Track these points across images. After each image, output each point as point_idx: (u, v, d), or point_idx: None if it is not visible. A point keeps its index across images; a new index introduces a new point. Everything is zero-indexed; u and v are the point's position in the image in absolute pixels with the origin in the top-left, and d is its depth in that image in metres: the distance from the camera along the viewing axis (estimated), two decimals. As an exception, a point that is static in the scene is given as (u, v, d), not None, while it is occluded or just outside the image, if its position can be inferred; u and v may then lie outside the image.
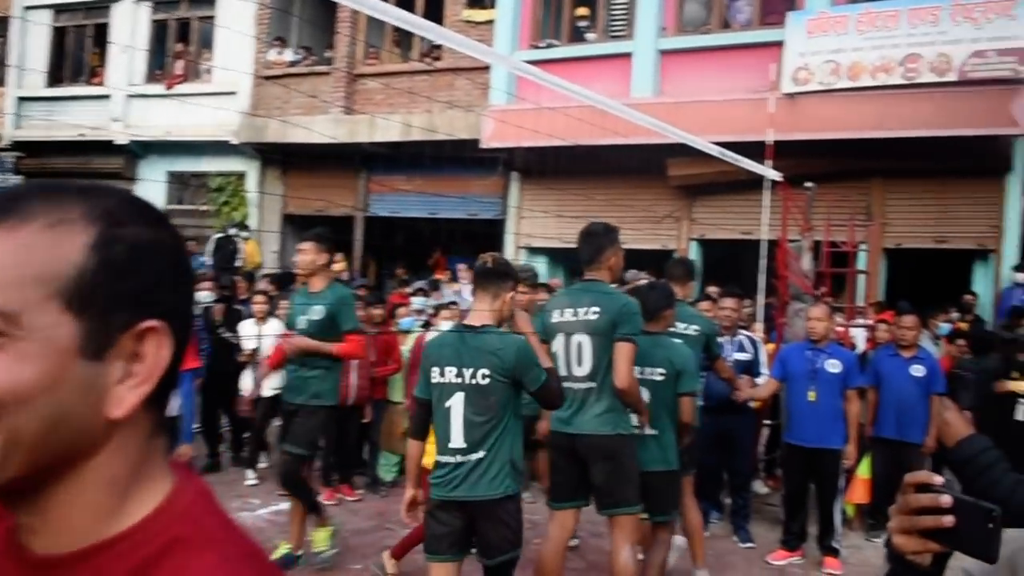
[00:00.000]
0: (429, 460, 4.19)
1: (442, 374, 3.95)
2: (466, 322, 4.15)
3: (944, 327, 8.66)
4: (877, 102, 10.50)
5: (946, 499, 1.20)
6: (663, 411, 5.03)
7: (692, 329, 5.89)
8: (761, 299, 8.85)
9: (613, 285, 4.93)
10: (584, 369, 4.56)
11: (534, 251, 12.98)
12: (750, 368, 6.84)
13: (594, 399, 4.55)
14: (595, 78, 11.97)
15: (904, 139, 10.31)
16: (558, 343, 4.64)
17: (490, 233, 13.64)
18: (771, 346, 8.06)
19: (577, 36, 13.18)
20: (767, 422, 8.16)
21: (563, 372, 4.52)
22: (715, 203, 11.91)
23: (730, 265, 11.31)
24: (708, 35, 12.16)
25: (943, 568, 1.28)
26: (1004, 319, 9.26)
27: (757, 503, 7.92)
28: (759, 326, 8.36)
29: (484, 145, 12.69)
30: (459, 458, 3.90)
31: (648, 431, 4.97)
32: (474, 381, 3.88)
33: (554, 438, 4.72)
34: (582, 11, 13.07)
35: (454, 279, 12.84)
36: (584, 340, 4.56)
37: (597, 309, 4.55)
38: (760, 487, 8.58)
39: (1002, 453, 2.23)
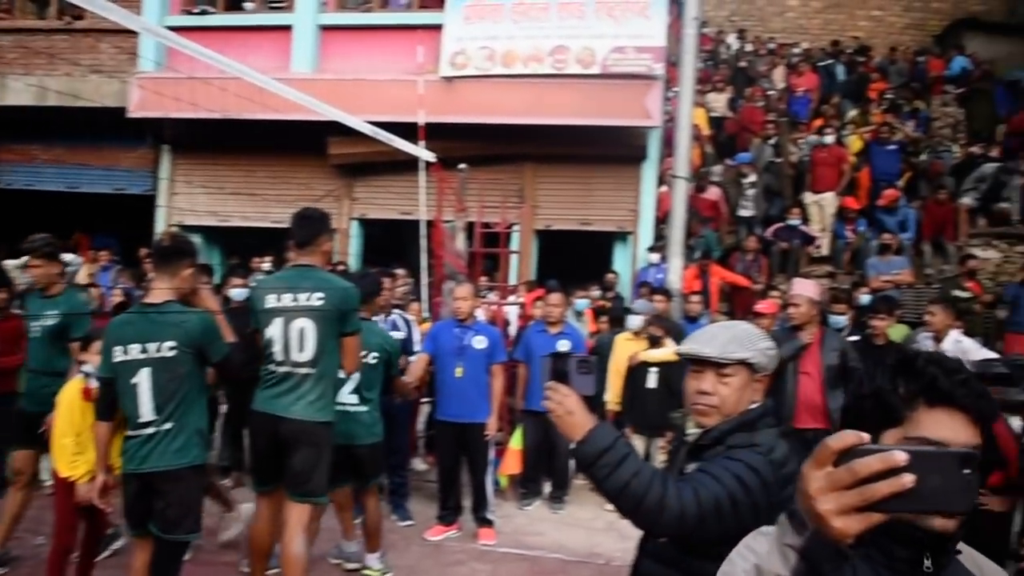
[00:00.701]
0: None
1: (125, 352, 4.03)
2: (147, 300, 4.19)
3: (581, 303, 9.21)
4: (529, 89, 10.95)
5: (901, 456, 1.05)
6: (371, 390, 5.55)
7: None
8: (424, 278, 8.95)
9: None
10: (306, 355, 4.53)
11: (188, 229, 12.25)
12: (404, 346, 6.86)
13: (310, 385, 4.53)
14: (254, 49, 11.55)
15: (553, 126, 10.86)
16: (275, 328, 4.56)
17: (140, 209, 12.72)
18: (427, 324, 8.17)
19: (235, 4, 12.57)
20: (425, 399, 8.26)
21: (280, 357, 4.54)
22: (376, 183, 11.88)
23: (392, 244, 11.38)
24: (369, 14, 12.07)
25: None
26: (636, 294, 10.05)
27: (417, 481, 8.00)
28: (417, 305, 8.43)
29: (131, 115, 11.79)
30: (150, 430, 4.01)
31: (362, 408, 5.47)
32: (160, 354, 4.00)
33: (259, 420, 4.62)
34: (240, -22, 12.51)
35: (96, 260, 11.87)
36: (308, 325, 4.52)
37: (321, 295, 4.53)
38: (419, 464, 8.69)
39: (631, 446, 2.15)
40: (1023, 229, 12.38)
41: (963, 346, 6.79)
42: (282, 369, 4.52)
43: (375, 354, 5.59)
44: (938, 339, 6.82)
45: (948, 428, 1.45)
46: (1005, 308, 10.73)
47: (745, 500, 2.13)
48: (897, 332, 7.84)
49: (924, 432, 1.45)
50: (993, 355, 7.13)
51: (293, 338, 4.52)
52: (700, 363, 2.36)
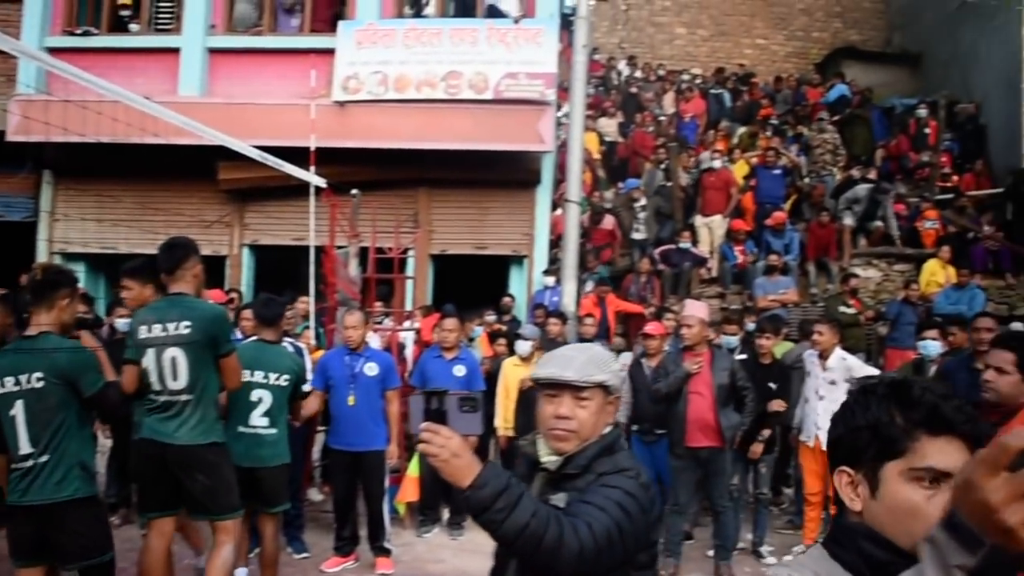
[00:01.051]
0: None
1: (2, 384, 4.04)
2: (25, 333, 4.21)
3: (477, 330, 9.22)
4: (423, 114, 10.97)
5: None
6: (282, 412, 5.61)
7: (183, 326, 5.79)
8: (313, 305, 8.82)
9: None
10: (180, 382, 4.63)
11: (70, 257, 11.84)
12: (296, 375, 6.74)
13: (190, 411, 4.63)
14: (140, 72, 11.29)
15: (447, 151, 10.90)
16: (149, 358, 4.65)
17: (19, 237, 12.22)
18: (319, 351, 8.06)
19: (120, 25, 12.24)
20: (320, 428, 8.13)
21: (157, 386, 4.63)
22: (268, 208, 11.69)
23: (285, 271, 11.19)
24: (259, 37, 11.91)
25: None
26: (532, 317, 10.12)
27: (313, 511, 7.87)
28: (310, 332, 8.30)
29: (10, 138, 11.35)
30: (29, 463, 4.02)
31: (272, 430, 5.53)
32: (30, 386, 4.02)
33: (145, 447, 4.68)
34: (125, 0, 12.18)
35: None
36: (178, 354, 4.62)
37: (188, 323, 4.63)
38: (315, 495, 8.55)
39: (523, 485, 2.03)
40: (902, 249, 12.93)
41: (848, 363, 7.04)
42: (161, 398, 4.64)
43: (287, 376, 5.64)
44: (824, 356, 7.04)
45: (953, 456, 1.40)
46: (886, 325, 11.18)
47: (629, 528, 2.11)
48: (780, 349, 8.08)
49: (931, 462, 1.41)
50: (875, 371, 7.41)
51: (166, 367, 4.62)
52: (556, 387, 2.28)
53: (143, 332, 4.67)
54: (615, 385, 2.35)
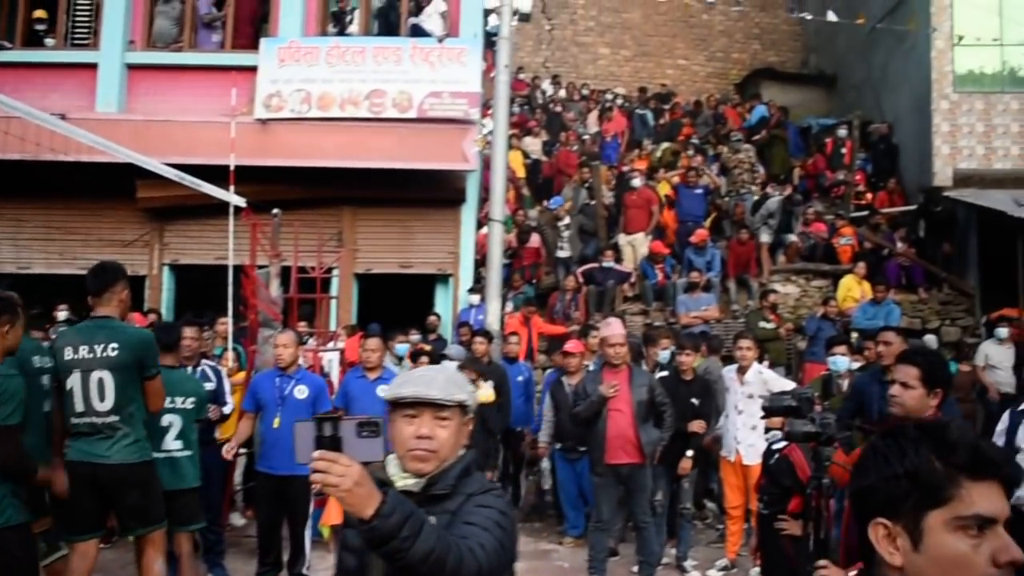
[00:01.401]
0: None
1: None
2: None
3: (401, 348, 9.17)
4: (346, 133, 10.93)
5: None
6: (192, 433, 5.73)
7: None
8: (231, 326, 8.69)
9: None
10: (107, 404, 4.71)
11: (-18, 278, 11.49)
12: (214, 397, 6.63)
13: (121, 431, 4.73)
14: (56, 87, 11.07)
15: (371, 170, 10.85)
16: (75, 379, 4.70)
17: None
18: (242, 374, 7.94)
19: (35, 40, 11.95)
20: (243, 450, 8.00)
21: (81, 408, 4.69)
22: (189, 227, 11.49)
23: (206, 291, 11.00)
24: (179, 53, 11.73)
25: None
26: (457, 336, 10.12)
27: (235, 536, 7.74)
28: (230, 354, 8.18)
29: (-86, 156, 10.98)
30: None
31: (186, 452, 5.66)
32: None
33: (77, 469, 4.73)
34: (39, 13, 11.86)
35: None
36: (106, 376, 4.70)
37: (116, 345, 4.72)
38: (237, 519, 8.40)
39: (421, 513, 1.96)
40: (819, 265, 13.27)
41: (764, 376, 7.20)
42: (86, 420, 4.69)
43: (192, 399, 5.77)
44: (743, 370, 7.19)
45: (996, 501, 1.35)
46: (805, 339, 11.44)
47: (508, 545, 2.15)
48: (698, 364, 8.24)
49: (977, 509, 1.33)
50: (792, 385, 7.58)
51: (93, 389, 4.67)
52: (415, 407, 2.23)
53: (68, 353, 4.72)
54: (472, 405, 2.34)
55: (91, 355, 4.69)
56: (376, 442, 1.99)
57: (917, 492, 1.37)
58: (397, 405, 2.27)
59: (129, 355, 4.73)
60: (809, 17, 17.11)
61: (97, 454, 4.68)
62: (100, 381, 4.68)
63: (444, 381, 2.30)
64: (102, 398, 4.68)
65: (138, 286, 11.42)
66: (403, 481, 2.21)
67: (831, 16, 14.85)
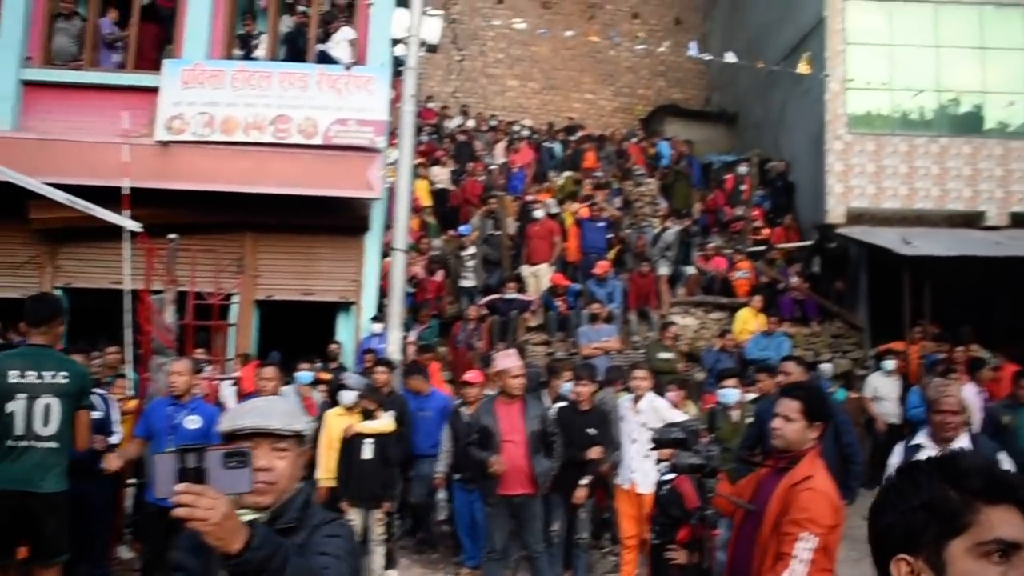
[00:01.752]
0: None
1: None
2: None
3: (305, 376, 9.08)
4: (250, 158, 10.79)
5: None
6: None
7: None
8: (129, 353, 8.48)
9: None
10: (50, 429, 4.86)
11: None
12: (101, 426, 6.46)
13: (54, 459, 4.88)
14: (-55, 103, 10.67)
15: (274, 195, 10.72)
16: (18, 404, 4.80)
17: None
18: (134, 402, 7.76)
19: (-78, 54, 11.53)
20: (132, 481, 7.79)
21: (20, 431, 4.79)
22: (83, 249, 11.15)
23: (101, 316, 10.71)
24: (78, 72, 11.43)
25: None
26: (359, 364, 10.06)
27: (121, 569, 7.52)
28: (123, 382, 7.98)
29: None
30: None
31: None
32: None
33: (5, 497, 4.77)
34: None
35: None
36: (53, 403, 4.87)
37: (66, 374, 4.93)
38: (125, 552, 8.16)
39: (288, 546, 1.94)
40: (716, 298, 13.63)
41: (656, 404, 7.36)
42: (23, 443, 4.80)
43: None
44: (637, 399, 7.34)
45: (1018, 524, 1.32)
46: (703, 371, 11.72)
47: (358, 571, 2.24)
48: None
49: (998, 533, 1.31)
50: (683, 416, 7.75)
51: (38, 414, 4.82)
52: (251, 438, 2.21)
53: (14, 377, 4.82)
54: (309, 435, 2.38)
55: (39, 381, 4.84)
56: (243, 473, 1.90)
57: (935, 522, 1.35)
58: (233, 437, 2.25)
59: (76, 385, 4.96)
60: (709, 57, 17.59)
61: (31, 482, 4.79)
62: (47, 407, 4.85)
63: (283, 412, 2.32)
64: (46, 423, 4.84)
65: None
66: (242, 516, 2.07)
67: (730, 57, 15.34)
